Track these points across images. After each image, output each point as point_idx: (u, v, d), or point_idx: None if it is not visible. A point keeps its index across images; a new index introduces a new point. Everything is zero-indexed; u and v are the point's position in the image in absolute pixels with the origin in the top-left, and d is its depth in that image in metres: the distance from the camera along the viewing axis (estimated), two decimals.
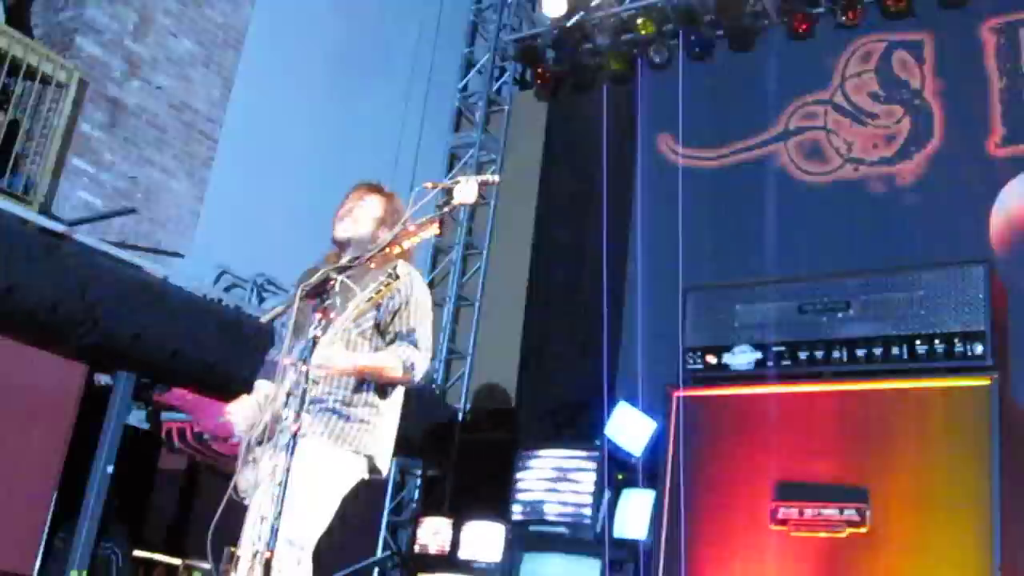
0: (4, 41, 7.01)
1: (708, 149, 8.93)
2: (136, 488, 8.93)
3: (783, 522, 6.00)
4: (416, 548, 8.29)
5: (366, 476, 3.76)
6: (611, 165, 9.11)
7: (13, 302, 6.87)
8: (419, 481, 9.83)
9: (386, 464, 3.80)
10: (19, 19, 7.44)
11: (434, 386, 9.96)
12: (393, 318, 3.71)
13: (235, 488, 3.57)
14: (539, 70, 10.17)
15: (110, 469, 7.82)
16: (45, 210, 7.17)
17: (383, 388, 3.72)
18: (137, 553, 10.52)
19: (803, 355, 6.31)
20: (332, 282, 3.34)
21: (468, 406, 9.98)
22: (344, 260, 3.79)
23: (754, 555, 6.10)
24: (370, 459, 3.70)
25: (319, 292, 3.32)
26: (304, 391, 3.16)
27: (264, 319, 3.42)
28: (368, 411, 3.67)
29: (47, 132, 7.27)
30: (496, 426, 9.37)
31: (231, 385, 7.70)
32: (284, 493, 3.04)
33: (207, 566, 10.32)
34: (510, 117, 10.82)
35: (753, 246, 7.95)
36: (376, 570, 9.29)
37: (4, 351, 7.45)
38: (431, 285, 10.01)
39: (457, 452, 9.68)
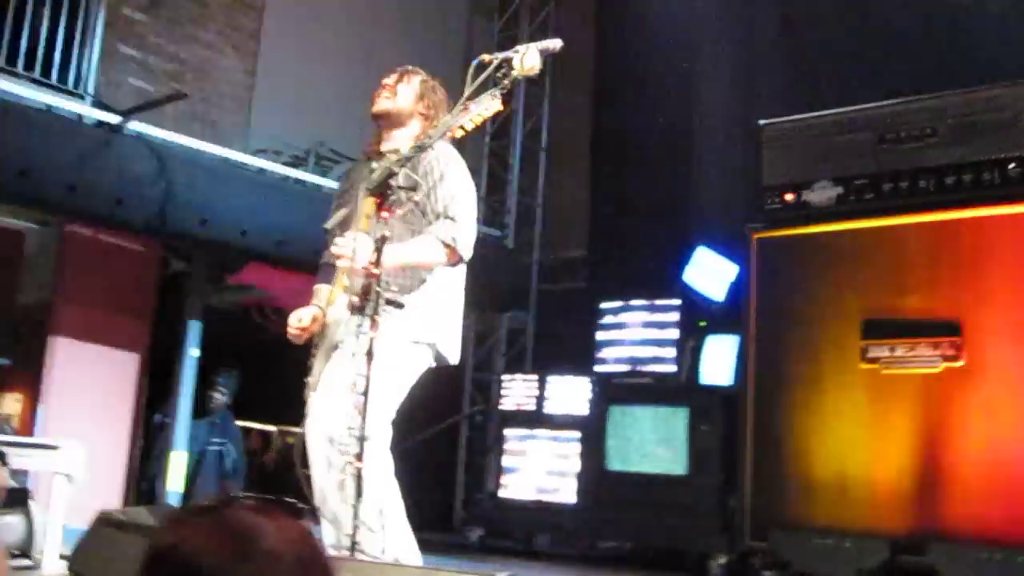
0: None
1: None
2: (222, 364, 9.06)
3: (874, 360, 5.86)
4: (501, 404, 8.36)
5: (432, 364, 3.69)
6: None
7: (78, 200, 6.87)
8: (500, 336, 9.84)
9: (453, 351, 3.69)
10: None
11: (505, 239, 9.88)
12: (429, 197, 3.55)
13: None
14: None
15: (196, 353, 7.95)
16: (98, 102, 7.05)
17: (425, 274, 3.60)
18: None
19: (887, 187, 6.03)
20: (394, 177, 3.18)
21: (542, 257, 9.88)
22: (387, 146, 3.63)
23: (845, 395, 5.99)
24: (432, 347, 3.62)
25: (382, 189, 3.17)
26: (377, 294, 3.06)
27: (329, 224, 3.28)
28: (419, 297, 3.55)
29: (90, 21, 7.09)
30: (572, 276, 9.27)
31: (302, 257, 7.75)
32: (366, 404, 2.99)
33: (298, 429, 10.63)
34: None
35: (825, 70, 7.55)
36: (464, 427, 9.42)
37: (80, 241, 7.52)
38: (494, 138, 9.78)
39: (535, 304, 9.65)
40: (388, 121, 3.73)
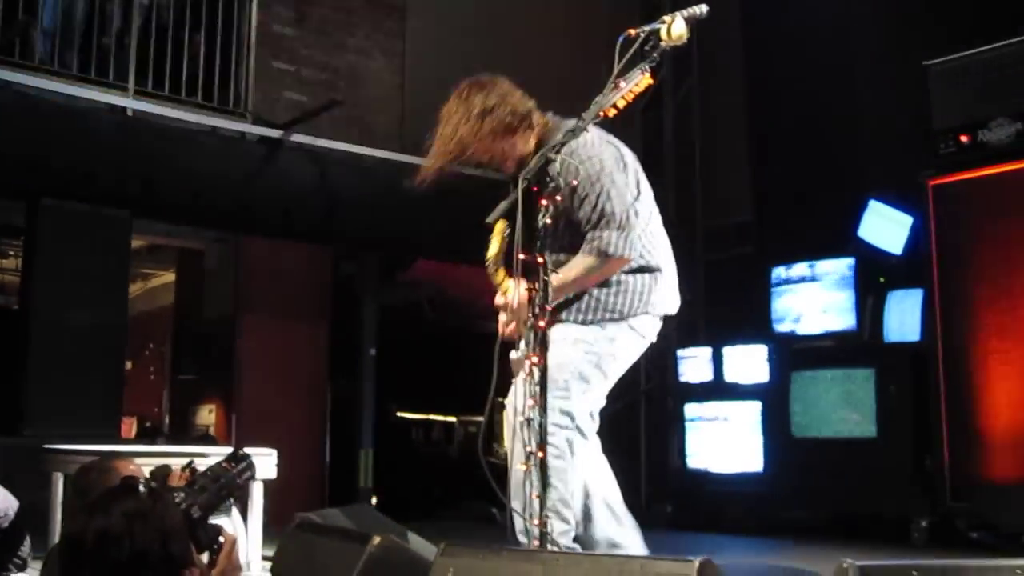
0: None
1: None
2: (400, 360, 9.26)
3: None
4: (679, 378, 8.25)
5: (649, 339, 3.62)
6: None
7: (249, 214, 7.14)
8: None
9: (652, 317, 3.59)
10: None
11: (665, 211, 9.71)
12: (579, 207, 3.44)
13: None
14: None
15: (372, 351, 8.15)
16: (258, 119, 7.29)
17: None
18: (414, 416, 11.12)
19: None
20: (551, 164, 3.14)
21: (705, 225, 9.67)
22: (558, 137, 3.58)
23: None
24: (625, 320, 3.51)
25: (539, 178, 3.14)
26: (546, 283, 3.04)
27: (490, 219, 3.26)
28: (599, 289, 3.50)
29: (243, 41, 7.33)
30: (739, 242, 9.05)
31: (468, 250, 7.83)
32: (544, 393, 2.97)
33: (480, 419, 10.78)
34: None
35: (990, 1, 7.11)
36: (643, 403, 9.34)
37: (256, 253, 7.80)
38: (645, 111, 9.64)
39: (703, 274, 9.47)
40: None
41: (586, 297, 3.53)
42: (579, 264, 3.44)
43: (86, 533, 1.91)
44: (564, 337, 3.42)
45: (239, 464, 2.48)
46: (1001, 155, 5.91)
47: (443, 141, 3.53)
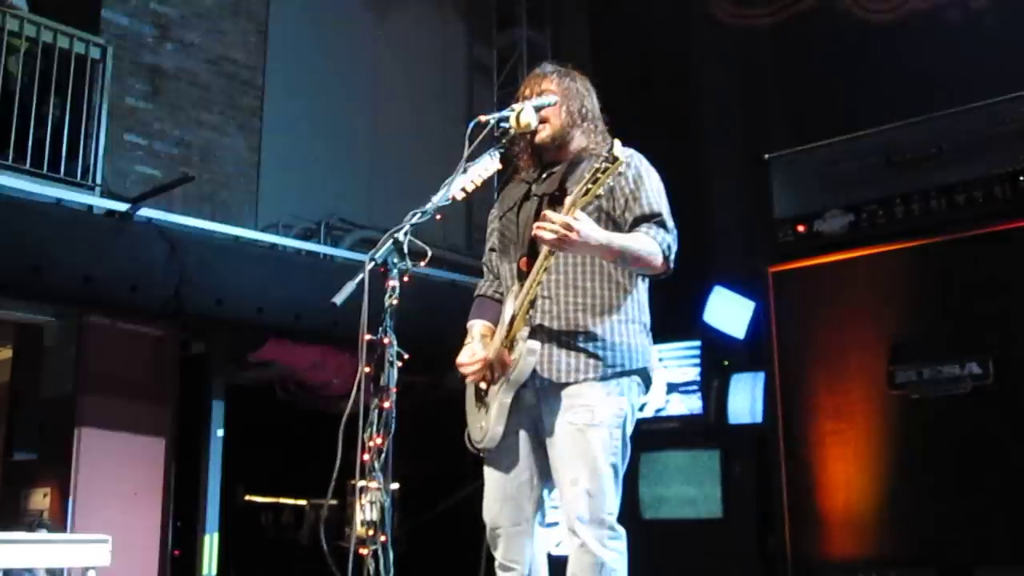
0: (32, 28, 6.89)
1: (762, 5, 8.45)
2: (249, 441, 9.03)
3: (902, 385, 5.77)
4: None
5: (644, 398, 3.50)
6: (664, 39, 8.72)
7: (93, 290, 6.90)
8: None
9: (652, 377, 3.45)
10: (43, 3, 7.27)
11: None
12: (627, 203, 3.32)
13: (470, 440, 3.39)
14: None
15: (220, 433, 7.93)
16: (106, 192, 7.11)
17: (628, 284, 3.38)
18: (263, 499, 10.84)
19: (899, 210, 5.99)
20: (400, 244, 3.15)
21: None
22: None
23: (875, 423, 5.91)
24: (643, 372, 3.40)
25: (386, 259, 3.14)
26: (390, 366, 3.02)
27: (336, 300, 3.21)
28: (622, 316, 3.37)
29: (94, 113, 7.16)
30: None
31: (320, 330, 7.74)
32: (386, 475, 2.95)
33: (333, 502, 10.59)
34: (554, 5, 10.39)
35: (826, 101, 7.54)
36: None
37: (99, 330, 7.53)
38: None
39: None
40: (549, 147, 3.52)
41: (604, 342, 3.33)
42: (644, 242, 3.22)
43: None
44: (594, 408, 3.32)
45: None
46: (835, 244, 6.19)
47: None
